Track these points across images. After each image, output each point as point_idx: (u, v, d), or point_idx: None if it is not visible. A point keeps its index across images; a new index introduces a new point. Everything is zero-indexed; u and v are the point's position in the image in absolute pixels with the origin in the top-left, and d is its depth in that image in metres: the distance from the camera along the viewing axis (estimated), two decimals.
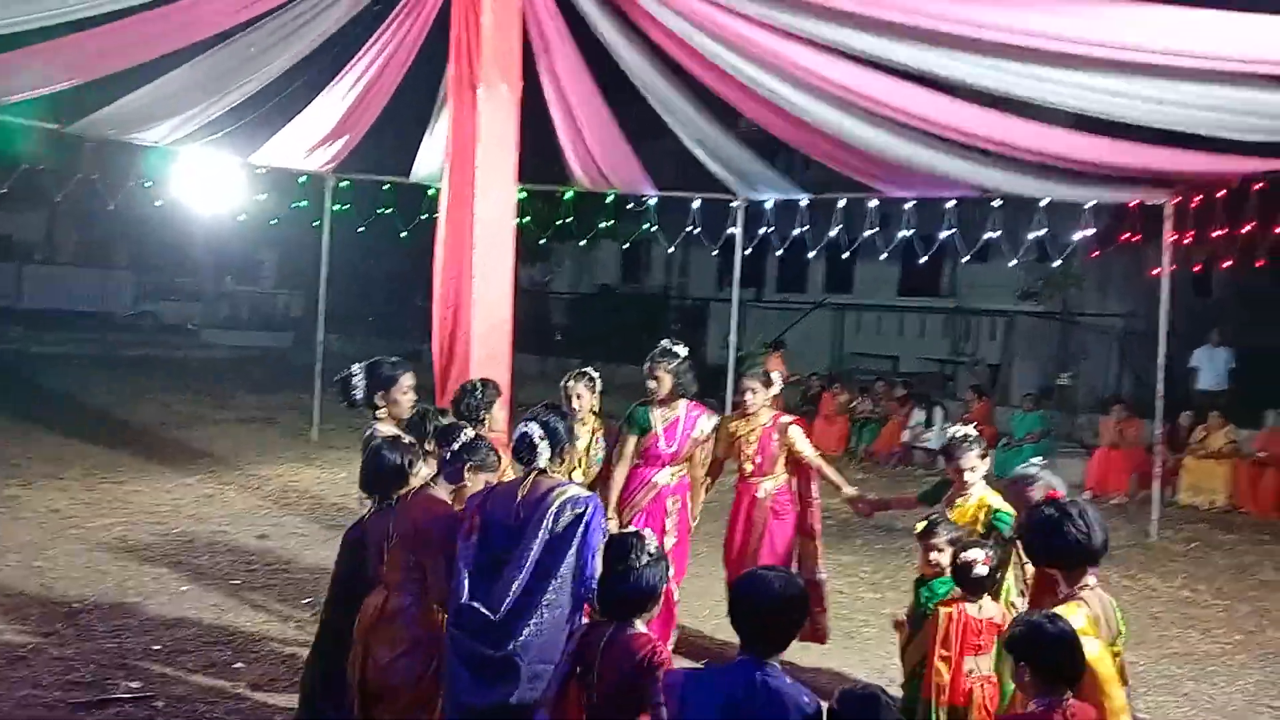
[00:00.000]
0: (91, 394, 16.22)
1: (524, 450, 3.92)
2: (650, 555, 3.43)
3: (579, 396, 6.04)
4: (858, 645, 6.74)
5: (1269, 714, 6.19)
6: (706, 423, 5.97)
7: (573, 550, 3.72)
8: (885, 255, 12.21)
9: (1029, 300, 17.43)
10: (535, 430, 3.91)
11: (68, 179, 11.28)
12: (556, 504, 3.78)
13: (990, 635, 4.40)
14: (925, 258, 12.18)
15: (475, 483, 4.18)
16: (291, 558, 8.09)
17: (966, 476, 5.04)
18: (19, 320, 25.62)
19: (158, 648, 6.12)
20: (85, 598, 6.91)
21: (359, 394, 5.15)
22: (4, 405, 14.29)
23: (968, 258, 11.67)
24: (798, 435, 6.13)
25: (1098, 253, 12.34)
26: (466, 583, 3.77)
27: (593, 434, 6.10)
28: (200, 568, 7.76)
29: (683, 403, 5.93)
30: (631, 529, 3.87)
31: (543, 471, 3.92)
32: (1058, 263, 12.26)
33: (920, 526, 4.90)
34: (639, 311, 23.16)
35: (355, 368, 5.19)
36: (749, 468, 6.11)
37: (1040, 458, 5.12)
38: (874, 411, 15.39)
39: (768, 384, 6.18)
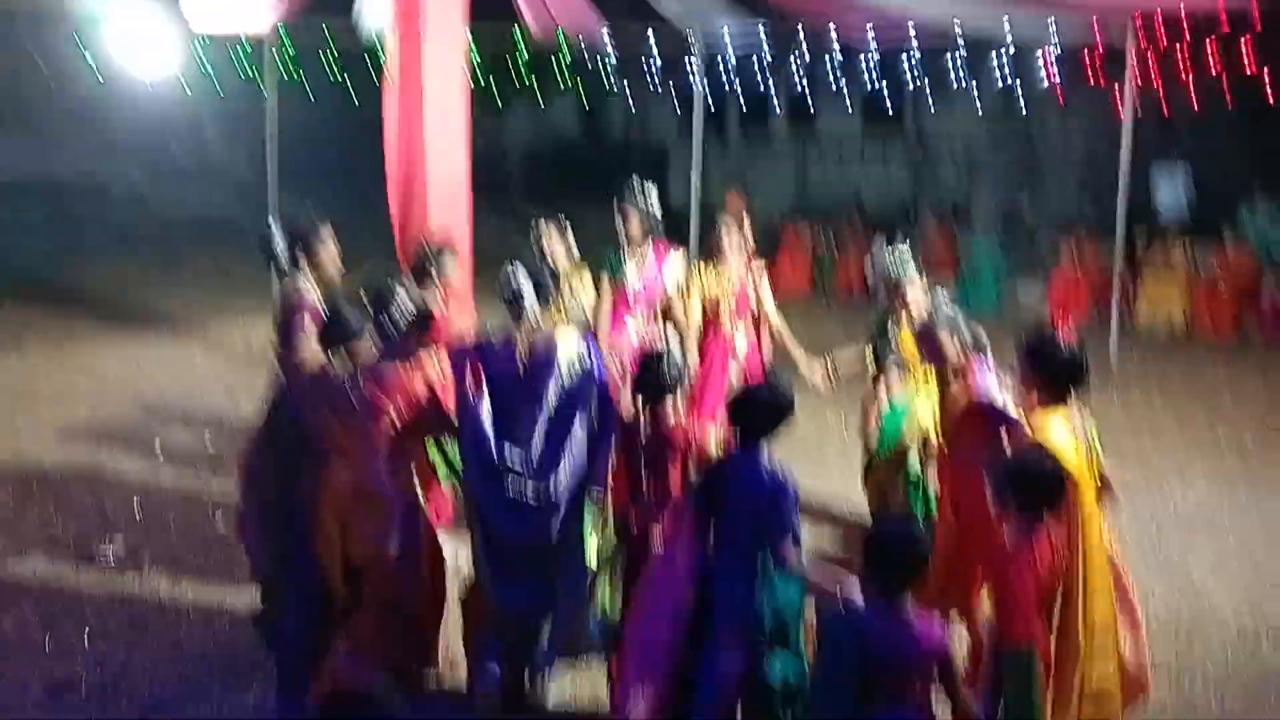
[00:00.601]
0: (45, 264, 15.90)
1: (512, 300, 4.06)
2: (675, 359, 4.07)
3: (549, 244, 5.96)
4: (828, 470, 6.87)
5: (1225, 518, 6.47)
6: (679, 255, 5.93)
7: (588, 399, 4.01)
8: (850, 106, 11.96)
9: (992, 125, 17.26)
10: (522, 279, 4.06)
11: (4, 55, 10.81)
12: (564, 361, 4.00)
13: None
14: (886, 97, 11.96)
15: (429, 361, 4.28)
16: None
17: (907, 304, 5.24)
18: None
19: (137, 503, 6.23)
20: (60, 463, 6.95)
21: (280, 250, 4.79)
22: None
23: (933, 109, 11.49)
24: (766, 287, 6.06)
25: (1061, 94, 12.17)
26: (489, 433, 3.97)
27: (569, 284, 5.95)
28: (173, 432, 7.78)
29: (649, 243, 5.89)
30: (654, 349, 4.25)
31: (534, 322, 4.08)
32: (1020, 103, 12.10)
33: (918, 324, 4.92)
34: (599, 161, 22.81)
35: (273, 227, 4.86)
36: (728, 321, 5.99)
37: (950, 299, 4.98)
38: (836, 248, 15.41)
39: (740, 225, 6.05)
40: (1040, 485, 3.36)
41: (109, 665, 4.46)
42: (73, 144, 29.06)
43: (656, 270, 5.88)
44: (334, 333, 4.12)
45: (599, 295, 5.91)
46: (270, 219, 5.06)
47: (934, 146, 18.77)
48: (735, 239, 5.99)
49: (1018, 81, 11.22)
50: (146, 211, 25.21)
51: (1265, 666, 4.71)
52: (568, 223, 6.12)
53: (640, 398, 4.09)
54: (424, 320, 4.19)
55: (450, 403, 4.25)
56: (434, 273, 5.31)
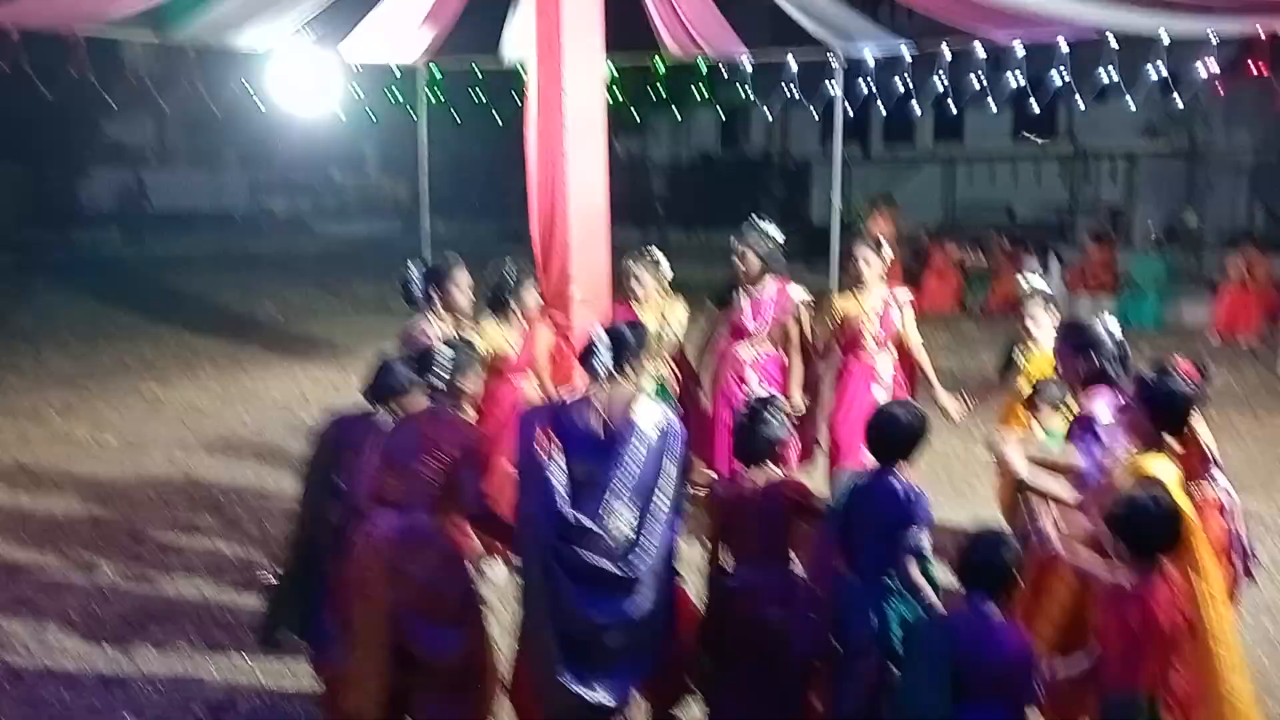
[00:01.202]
0: (214, 292, 16.86)
1: (588, 357, 3.86)
2: (780, 411, 3.89)
3: (638, 278, 6.02)
4: (969, 500, 6.73)
5: None
6: (798, 293, 5.95)
7: (669, 468, 3.74)
8: (995, 104, 11.71)
9: (1152, 138, 16.60)
10: (602, 338, 3.85)
11: (173, 87, 11.51)
12: (646, 423, 3.75)
13: None
14: (1037, 104, 11.59)
15: (476, 386, 4.29)
16: None
17: (1029, 325, 5.15)
18: (140, 223, 26.54)
19: None
20: (227, 488, 7.34)
21: (416, 289, 5.25)
22: (134, 307, 15.02)
23: (1083, 105, 11.11)
24: (911, 317, 6.00)
25: (1223, 88, 11.59)
26: (564, 497, 3.67)
27: (662, 316, 6.03)
28: None
29: (771, 280, 5.93)
30: (765, 391, 4.09)
31: (614, 383, 3.83)
32: (1179, 102, 11.57)
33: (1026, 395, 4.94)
34: (740, 177, 22.84)
35: (412, 265, 5.27)
36: (872, 345, 5.92)
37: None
38: (987, 265, 15.02)
39: (879, 249, 5.96)
40: (1154, 527, 3.27)
41: (265, 688, 4.67)
42: (241, 177, 30.78)
43: (775, 305, 5.92)
44: (378, 388, 4.16)
45: (711, 334, 5.93)
46: (409, 262, 5.35)
47: (1090, 158, 18.11)
48: (875, 265, 5.90)
49: (1176, 86, 10.68)
50: (310, 239, 26.51)
51: None
52: (660, 256, 6.11)
53: (744, 458, 3.90)
54: (459, 359, 4.15)
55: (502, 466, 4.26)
56: (512, 303, 5.54)
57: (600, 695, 3.65)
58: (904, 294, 6.04)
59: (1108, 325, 4.32)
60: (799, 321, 5.98)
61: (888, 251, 6.02)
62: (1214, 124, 16.26)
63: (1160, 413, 3.69)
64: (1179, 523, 3.32)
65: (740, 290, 5.95)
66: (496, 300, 5.56)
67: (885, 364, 5.95)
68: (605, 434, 3.76)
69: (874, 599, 3.60)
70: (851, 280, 6.01)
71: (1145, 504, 3.30)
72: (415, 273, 5.25)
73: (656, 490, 3.71)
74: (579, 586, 3.64)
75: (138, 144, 30.80)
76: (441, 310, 5.22)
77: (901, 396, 5.92)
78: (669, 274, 6.18)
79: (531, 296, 5.66)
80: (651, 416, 3.79)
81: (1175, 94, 11.26)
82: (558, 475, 3.70)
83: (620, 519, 3.66)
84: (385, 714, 3.86)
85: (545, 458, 3.73)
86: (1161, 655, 3.24)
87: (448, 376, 4.11)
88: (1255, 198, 15.84)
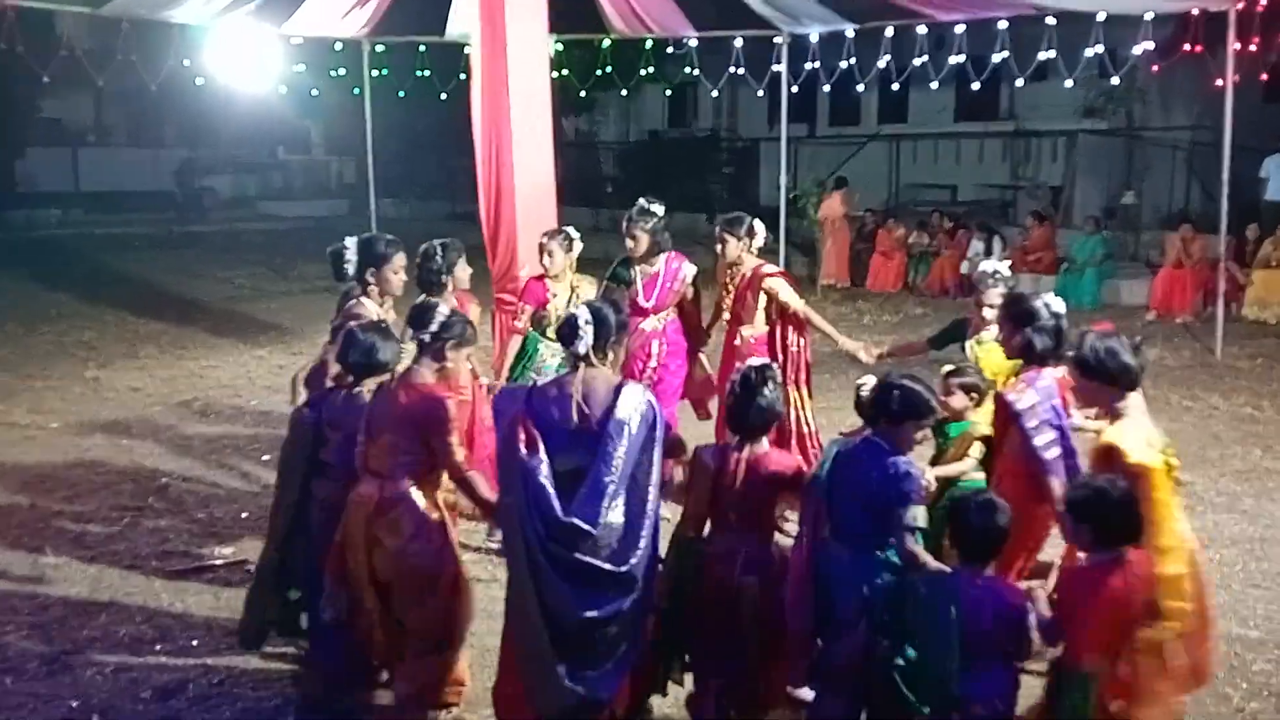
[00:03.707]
0: (156, 273, 16.60)
1: (567, 333, 3.70)
2: (774, 383, 3.78)
3: (550, 255, 6.04)
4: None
5: None
6: (688, 269, 6.20)
7: (654, 458, 3.63)
8: (937, 83, 11.90)
9: (1091, 118, 16.87)
10: (583, 315, 3.69)
11: (108, 62, 11.30)
12: (630, 410, 3.58)
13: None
14: (979, 83, 11.77)
15: (458, 359, 4.19)
16: None
17: (985, 313, 5.16)
18: (78, 203, 26.01)
19: (245, 515, 6.46)
20: (173, 472, 7.27)
21: (350, 269, 5.10)
22: (73, 289, 14.75)
23: (1022, 80, 11.31)
24: (779, 286, 6.16)
25: (1159, 66, 11.84)
26: (554, 495, 3.52)
27: (571, 290, 6.06)
28: (279, 437, 8.01)
29: (662, 256, 6.16)
30: (759, 361, 3.96)
31: (589, 363, 3.68)
32: (1116, 80, 11.81)
33: (944, 370, 4.94)
34: (689, 156, 22.84)
35: (348, 242, 5.13)
36: (728, 316, 6.32)
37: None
38: (930, 245, 15.22)
39: (749, 234, 6.18)
40: (1116, 517, 3.30)
41: (215, 671, 4.65)
42: (184, 155, 30.20)
43: (668, 281, 6.15)
44: (357, 368, 4.25)
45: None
46: (346, 238, 5.21)
47: (1031, 138, 18.37)
48: (734, 245, 6.17)
49: (1113, 65, 10.89)
50: (256, 219, 26.12)
51: None
52: (575, 235, 6.13)
53: (735, 434, 3.81)
54: (450, 325, 4.12)
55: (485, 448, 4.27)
56: (447, 280, 5.51)
57: (595, 691, 3.59)
58: (770, 270, 6.26)
59: (1049, 302, 4.42)
60: (687, 294, 6.24)
61: (760, 236, 6.25)
62: (1151, 104, 16.55)
63: (1114, 377, 3.70)
64: (1139, 513, 3.32)
65: (634, 268, 6.18)
66: (428, 276, 5.52)
67: (743, 335, 6.23)
68: (584, 423, 3.59)
69: (864, 571, 3.61)
70: (720, 264, 6.31)
71: (1108, 492, 3.32)
72: (350, 250, 5.11)
73: (643, 481, 3.61)
74: (572, 585, 3.54)
75: (76, 121, 30.10)
76: (376, 294, 5.09)
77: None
78: (578, 249, 6.19)
79: (463, 271, 5.67)
80: (634, 404, 3.60)
81: (1113, 73, 11.51)
82: (545, 472, 3.54)
83: (614, 515, 3.54)
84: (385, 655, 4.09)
85: (528, 451, 3.57)
86: (1110, 638, 3.28)
87: (440, 340, 4.08)
88: (1192, 177, 16.16)
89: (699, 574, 3.79)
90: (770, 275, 6.22)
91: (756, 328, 6.21)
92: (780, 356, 6.12)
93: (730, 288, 6.28)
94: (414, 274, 5.48)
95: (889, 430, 3.69)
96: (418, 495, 4.00)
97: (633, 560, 3.57)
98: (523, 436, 3.58)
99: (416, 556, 3.97)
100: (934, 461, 4.75)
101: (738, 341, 6.24)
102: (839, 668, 3.66)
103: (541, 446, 3.57)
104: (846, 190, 16.15)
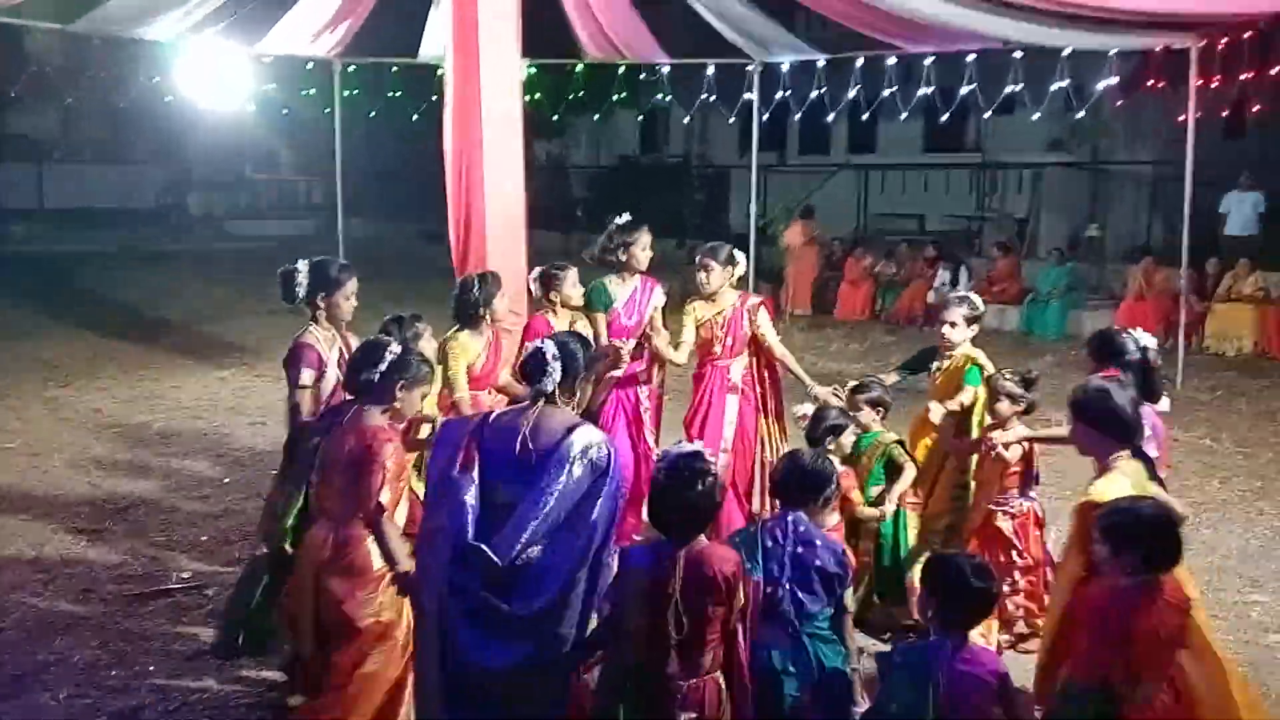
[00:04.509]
0: (122, 291, 16.42)
1: (533, 368, 3.51)
2: (711, 474, 3.34)
3: (708, 272, 5.88)
4: None
5: None
6: (659, 296, 5.99)
7: (596, 509, 3.35)
8: (906, 114, 12.05)
9: (1057, 151, 17.10)
10: (550, 350, 3.49)
11: (77, 78, 11.23)
12: (576, 449, 3.35)
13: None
14: (948, 115, 11.92)
15: (409, 401, 4.04)
16: None
17: (945, 330, 5.27)
18: (43, 220, 25.73)
19: (205, 539, 6.38)
20: (132, 494, 7.17)
21: (301, 291, 4.87)
22: (37, 306, 14.57)
23: (989, 113, 11.47)
24: (765, 320, 6.02)
25: (1123, 101, 12.04)
26: (472, 522, 3.34)
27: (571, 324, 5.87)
28: (241, 460, 8.00)
29: (638, 276, 5.96)
30: (689, 447, 3.46)
31: (551, 400, 3.50)
32: (1081, 114, 11.99)
33: (850, 385, 5.31)
34: (660, 182, 22.91)
35: (300, 264, 4.92)
36: (719, 350, 5.95)
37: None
38: (898, 274, 15.34)
39: (730, 263, 5.93)
40: (1163, 537, 3.21)
41: (172, 696, 4.58)
42: (151, 173, 29.98)
43: (644, 301, 5.95)
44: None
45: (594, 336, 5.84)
46: (297, 260, 4.99)
47: (998, 170, 18.59)
48: (717, 274, 5.90)
49: (1078, 99, 11.07)
50: (223, 238, 25.93)
51: None
52: (573, 270, 6.03)
53: (672, 530, 3.32)
54: (403, 365, 3.99)
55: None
56: (484, 313, 5.30)
57: None
58: (754, 300, 6.11)
59: (1137, 337, 4.41)
60: (655, 320, 5.99)
61: (740, 257, 6.01)
62: (1116, 138, 16.80)
63: (1111, 425, 3.66)
64: (1180, 538, 3.25)
65: (610, 286, 5.96)
66: (464, 309, 5.31)
67: (737, 369, 5.98)
68: (525, 455, 3.39)
69: (806, 655, 3.50)
70: (697, 289, 6.00)
71: (1151, 516, 3.23)
72: (302, 272, 4.88)
73: (574, 529, 3.33)
74: (473, 627, 3.34)
75: (43, 137, 29.80)
76: (325, 320, 4.88)
77: (753, 398, 6.01)
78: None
79: (503, 305, 5.43)
80: (583, 444, 3.37)
81: (1078, 108, 11.69)
82: (471, 494, 3.38)
83: (533, 553, 3.31)
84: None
85: (461, 470, 3.41)
86: (1152, 659, 3.20)
87: (379, 375, 3.93)
88: (1155, 211, 16.40)
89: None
90: (760, 305, 6.08)
91: (745, 361, 5.98)
92: (760, 387, 6.05)
93: (716, 321, 5.91)
94: (450, 304, 5.37)
95: (806, 506, 3.61)
96: (369, 540, 3.86)
97: (536, 606, 3.29)
98: (460, 458, 3.43)
99: (362, 607, 3.84)
100: (845, 461, 4.91)
101: (733, 377, 5.93)
102: None
103: (476, 469, 3.40)
104: (809, 219, 16.26)
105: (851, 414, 5.14)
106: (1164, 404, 4.29)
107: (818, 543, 3.44)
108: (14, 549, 6.18)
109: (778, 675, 3.47)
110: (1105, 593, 3.26)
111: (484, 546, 3.28)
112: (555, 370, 3.47)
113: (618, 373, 5.69)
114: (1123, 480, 3.58)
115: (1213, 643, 3.61)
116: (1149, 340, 4.36)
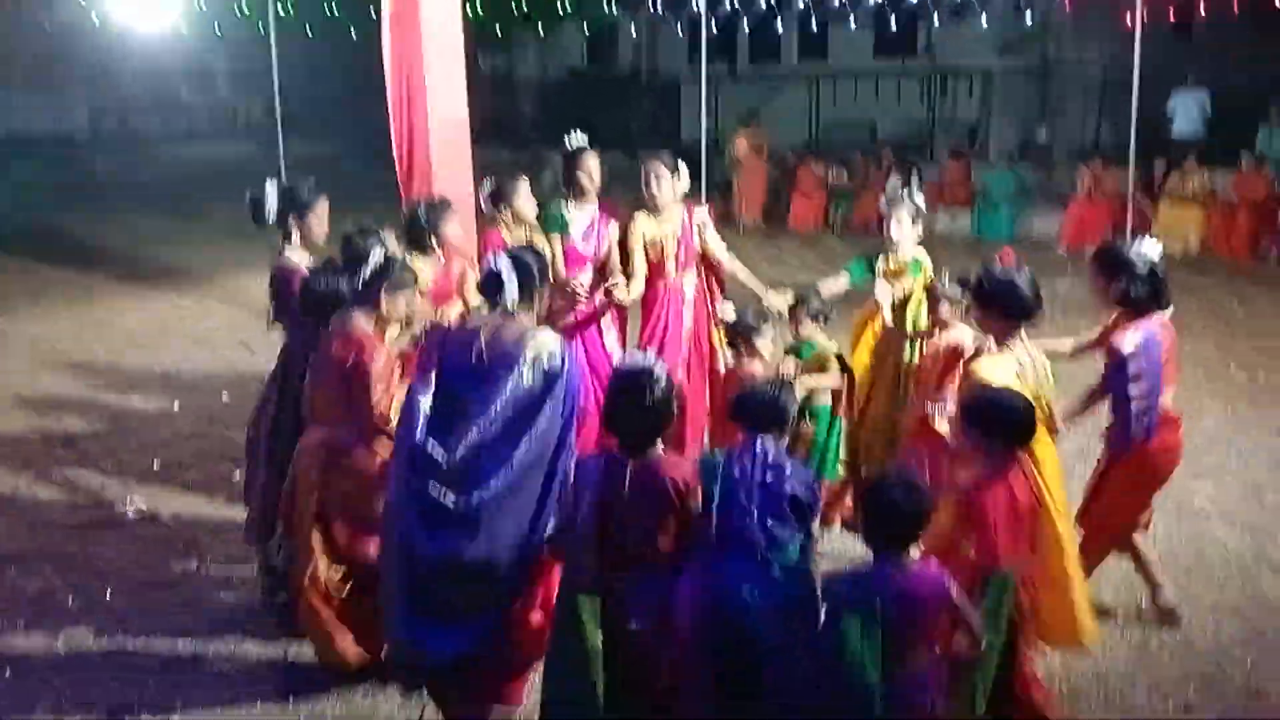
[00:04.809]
0: (61, 218, 15.99)
1: (491, 286, 3.60)
2: (662, 384, 3.33)
3: (658, 180, 5.64)
4: None
5: (1233, 451, 6.48)
6: (614, 230, 5.74)
7: (546, 409, 3.46)
8: (856, 22, 11.92)
9: (1006, 56, 17.05)
10: (505, 265, 3.58)
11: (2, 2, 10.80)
12: (529, 355, 3.48)
13: None
14: (897, 21, 11.81)
15: (394, 305, 4.05)
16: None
17: (891, 227, 5.30)
18: None
19: (157, 468, 6.32)
20: (79, 425, 7.07)
21: (271, 214, 4.84)
22: None
23: (939, 18, 11.37)
24: (713, 234, 5.86)
25: (1071, 4, 11.97)
26: (422, 424, 3.50)
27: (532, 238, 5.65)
28: (190, 384, 7.90)
29: (595, 203, 5.72)
30: (640, 357, 3.48)
31: (509, 314, 3.60)
32: (1031, 22, 11.92)
33: (791, 300, 5.35)
34: (609, 95, 22.59)
35: (269, 186, 4.88)
36: (672, 267, 5.72)
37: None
38: (852, 182, 15.29)
39: (676, 170, 5.69)
40: (1013, 420, 3.45)
41: (130, 624, 4.58)
42: (84, 97, 29.06)
43: (600, 234, 5.71)
44: (310, 309, 4.21)
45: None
46: (267, 182, 4.92)
47: (949, 77, 18.52)
48: (667, 186, 5.68)
49: (1028, 3, 11.00)
50: (160, 162, 25.27)
51: (1265, 599, 4.75)
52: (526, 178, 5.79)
53: (625, 440, 3.36)
54: (387, 269, 4.03)
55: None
56: (432, 237, 5.13)
57: (424, 642, 3.51)
58: (701, 212, 5.90)
59: (1142, 250, 4.34)
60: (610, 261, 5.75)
61: (684, 171, 5.76)
62: (1065, 42, 16.76)
63: (1008, 308, 3.92)
64: (1033, 419, 3.51)
65: (567, 211, 5.71)
66: (414, 236, 5.15)
67: (690, 284, 5.82)
68: (479, 362, 3.51)
69: (776, 585, 3.28)
70: (647, 203, 5.71)
71: (1005, 400, 3.50)
72: (271, 193, 4.83)
73: (523, 430, 3.44)
74: (421, 522, 3.48)
75: None
76: (298, 243, 4.85)
77: (704, 311, 5.87)
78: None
79: (452, 228, 5.26)
80: (535, 350, 3.49)
81: (1027, 11, 11.63)
82: (424, 401, 3.52)
83: (472, 454, 3.44)
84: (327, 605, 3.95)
85: (419, 381, 3.56)
86: (1019, 536, 3.39)
87: (365, 282, 4.00)
88: (1103, 113, 16.44)
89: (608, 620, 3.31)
90: (705, 220, 5.88)
91: (696, 274, 5.81)
92: (710, 299, 5.89)
93: (668, 237, 5.67)
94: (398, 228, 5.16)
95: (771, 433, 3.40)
96: (363, 444, 3.94)
97: (479, 503, 3.42)
98: (424, 363, 3.61)
99: (361, 500, 3.90)
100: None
101: (690, 293, 5.75)
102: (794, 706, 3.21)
103: (433, 377, 3.55)
104: (755, 126, 16.01)
105: (794, 326, 5.26)
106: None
107: (787, 468, 3.31)
108: None
109: (748, 606, 3.28)
110: (974, 483, 3.43)
111: (434, 449, 3.45)
112: (511, 285, 3.57)
113: (577, 310, 5.56)
114: (1009, 364, 3.88)
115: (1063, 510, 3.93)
116: (1154, 251, 4.31)
